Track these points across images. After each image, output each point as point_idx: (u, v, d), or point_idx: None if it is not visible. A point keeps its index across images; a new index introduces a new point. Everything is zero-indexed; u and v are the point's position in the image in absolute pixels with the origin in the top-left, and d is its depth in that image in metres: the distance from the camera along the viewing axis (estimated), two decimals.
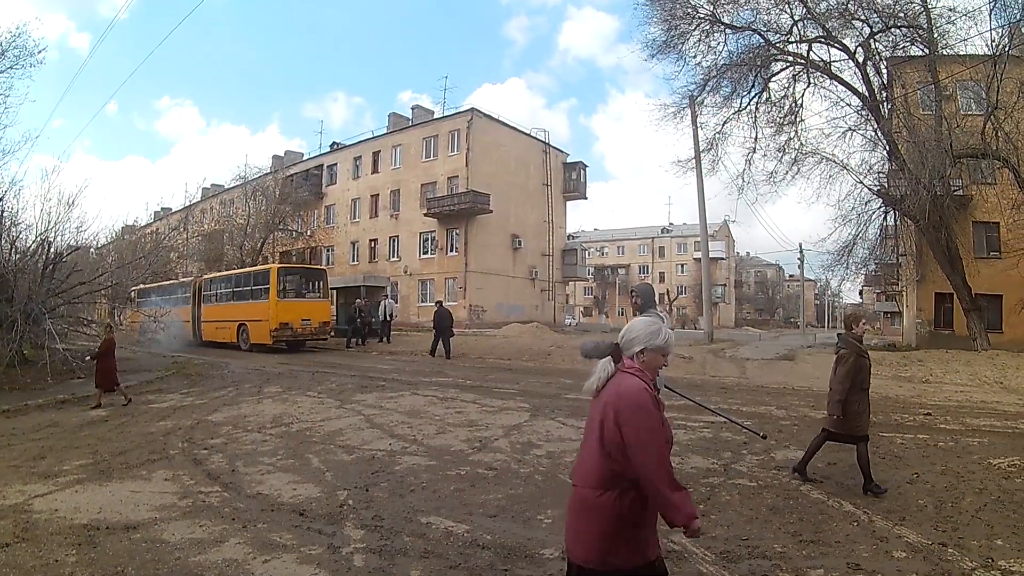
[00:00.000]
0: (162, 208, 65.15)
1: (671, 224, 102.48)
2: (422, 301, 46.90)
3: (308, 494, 7.30)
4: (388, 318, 30.77)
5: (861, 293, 75.22)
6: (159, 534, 6.03)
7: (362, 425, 11.40)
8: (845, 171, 28.97)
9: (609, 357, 3.36)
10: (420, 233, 48.06)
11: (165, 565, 5.33)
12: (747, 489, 7.67)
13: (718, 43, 29.67)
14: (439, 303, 27.95)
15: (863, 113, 28.59)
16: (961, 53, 26.51)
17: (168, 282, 36.83)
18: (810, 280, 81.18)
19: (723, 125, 30.72)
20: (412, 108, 53.14)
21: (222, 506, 6.90)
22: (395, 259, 49.74)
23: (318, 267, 35.95)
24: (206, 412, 13.02)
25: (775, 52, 29.23)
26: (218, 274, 33.51)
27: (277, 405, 13.84)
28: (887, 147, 28.02)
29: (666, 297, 75.78)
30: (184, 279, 36.79)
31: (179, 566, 5.31)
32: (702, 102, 30.84)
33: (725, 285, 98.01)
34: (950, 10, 26.52)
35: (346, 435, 10.63)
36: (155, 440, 10.35)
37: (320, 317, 28.28)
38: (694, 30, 29.42)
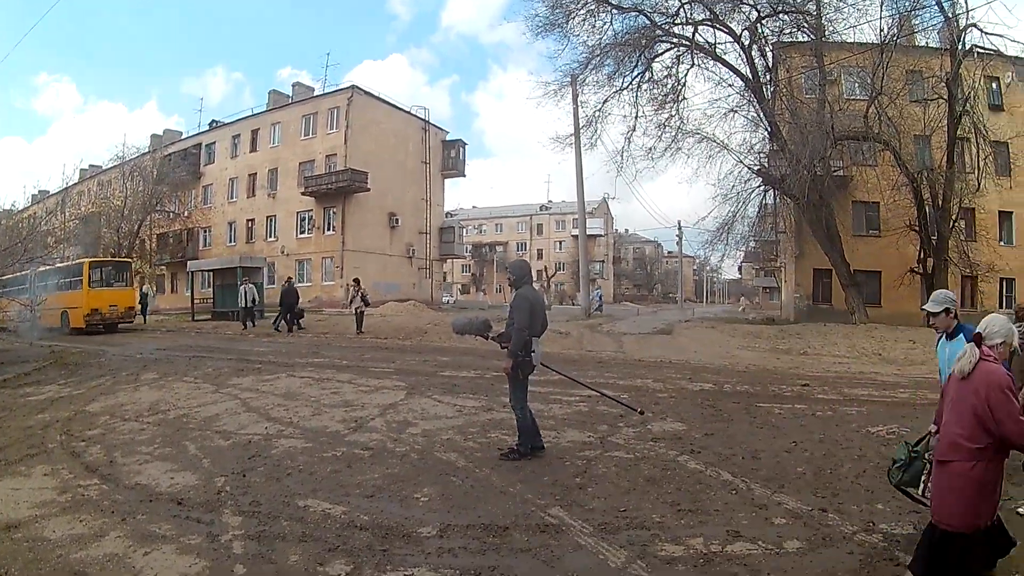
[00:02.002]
0: (39, 191, 61.95)
1: (550, 201, 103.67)
2: (299, 281, 45.52)
3: (186, 482, 7.28)
4: (250, 304, 29.90)
5: (740, 269, 78.54)
6: (40, 532, 5.98)
7: (238, 409, 11.28)
8: (726, 151, 30.26)
9: (972, 344, 4.17)
10: (297, 212, 48.30)
11: (47, 564, 5.28)
12: (624, 461, 7.75)
13: (603, 23, 30.18)
14: (288, 280, 30.16)
15: (745, 95, 29.86)
16: (848, 40, 28.33)
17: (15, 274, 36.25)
18: (689, 256, 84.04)
19: (604, 103, 31.41)
20: (293, 85, 53.45)
21: (101, 499, 6.84)
22: (272, 239, 49.54)
23: (125, 259, 38.48)
24: (84, 402, 12.71)
25: (660, 33, 29.94)
26: (47, 268, 33.78)
27: (154, 392, 13.53)
28: (768, 128, 29.40)
29: (544, 274, 76.87)
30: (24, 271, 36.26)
31: (61, 564, 5.27)
32: (584, 81, 31.46)
33: (603, 261, 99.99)
34: None
35: (223, 420, 10.47)
36: (33, 434, 10.13)
37: (125, 303, 32.36)
38: (580, 9, 29.79)
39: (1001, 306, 31.79)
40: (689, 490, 6.68)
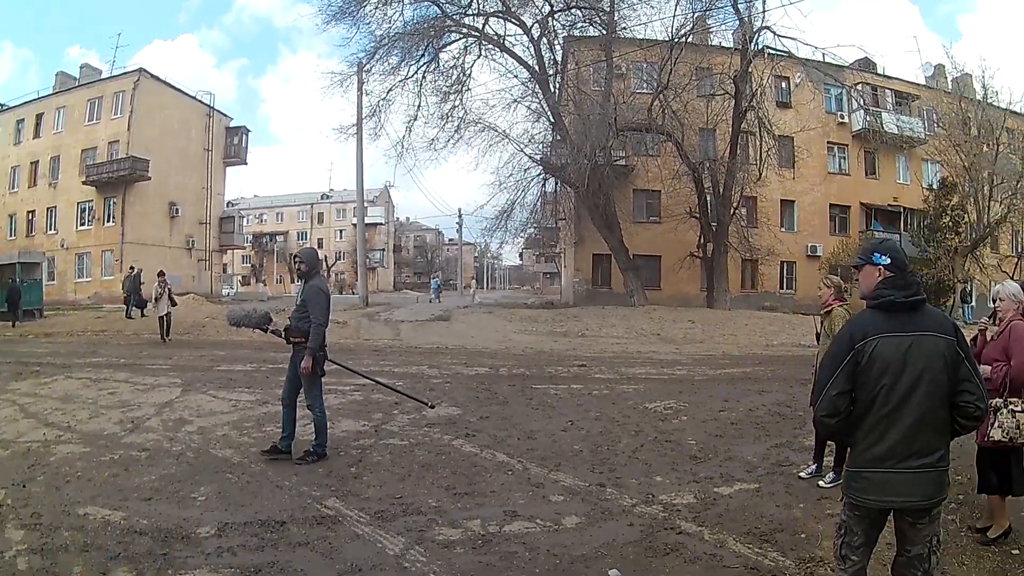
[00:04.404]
0: None
1: (331, 190, 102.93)
2: (79, 277, 45.30)
3: None
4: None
5: (521, 255, 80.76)
6: None
7: (16, 416, 10.42)
8: (507, 140, 31.74)
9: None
10: (78, 203, 45.92)
11: None
12: (398, 448, 7.84)
13: (395, 12, 30.72)
14: (132, 268, 29.86)
15: (530, 86, 31.40)
16: (640, 37, 30.45)
17: None
18: (469, 244, 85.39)
19: (388, 92, 32.00)
20: (81, 67, 49.67)
21: None
22: (52, 232, 47.11)
23: None
24: None
25: (451, 24, 30.85)
26: None
27: None
28: (551, 119, 31.14)
29: (324, 263, 75.67)
30: None
31: None
32: (370, 70, 31.81)
33: (384, 250, 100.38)
34: None
35: (1, 428, 9.64)
36: None
37: None
38: None
39: (781, 287, 36.47)
40: (464, 473, 6.85)
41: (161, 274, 22.38)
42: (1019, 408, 5.13)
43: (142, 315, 27.81)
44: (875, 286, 3.27)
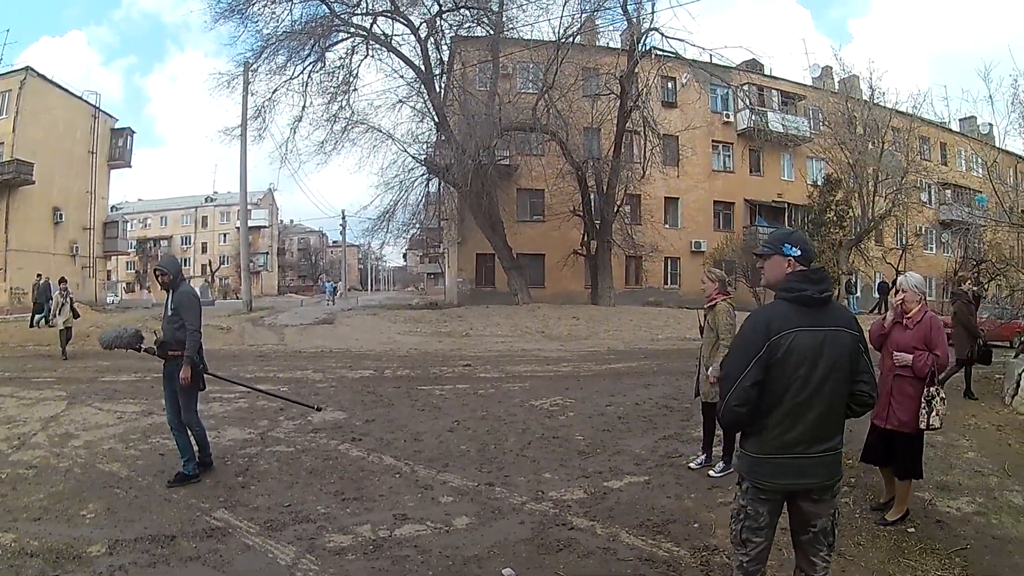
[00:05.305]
0: None
1: (215, 193, 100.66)
2: None
3: None
4: None
5: (405, 256, 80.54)
6: None
7: None
8: (391, 140, 31.77)
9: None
10: None
11: None
12: (285, 455, 7.73)
13: (284, 10, 30.25)
14: (39, 276, 27.70)
15: (416, 86, 31.47)
16: (527, 38, 30.85)
17: None
18: (353, 245, 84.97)
19: (274, 93, 31.51)
20: None
21: None
22: None
23: None
24: None
25: (339, 23, 30.49)
26: None
27: None
28: (436, 119, 31.23)
29: (208, 268, 73.96)
30: None
31: None
32: (257, 69, 31.22)
33: (268, 253, 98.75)
34: None
35: None
36: None
37: None
38: None
39: (666, 283, 37.59)
40: (352, 478, 6.82)
41: (63, 281, 20.76)
42: (944, 395, 5.54)
43: (47, 323, 26.67)
44: (785, 278, 3.36)
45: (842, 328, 3.29)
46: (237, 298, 55.79)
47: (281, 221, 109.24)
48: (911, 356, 5.54)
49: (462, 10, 30.65)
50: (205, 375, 7.27)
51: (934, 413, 5.42)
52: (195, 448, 7.08)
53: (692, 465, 7.06)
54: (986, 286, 24.03)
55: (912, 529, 5.47)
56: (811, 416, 3.20)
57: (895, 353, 5.60)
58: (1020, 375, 10.39)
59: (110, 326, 10.72)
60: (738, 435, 3.67)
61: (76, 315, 19.46)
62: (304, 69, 30.64)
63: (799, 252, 3.38)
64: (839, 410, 3.31)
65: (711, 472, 6.81)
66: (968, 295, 11.95)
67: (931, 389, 5.43)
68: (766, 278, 3.51)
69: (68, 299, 19.11)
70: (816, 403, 3.20)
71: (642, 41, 30.01)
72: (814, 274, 3.34)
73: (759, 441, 3.31)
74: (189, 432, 7.06)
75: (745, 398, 3.23)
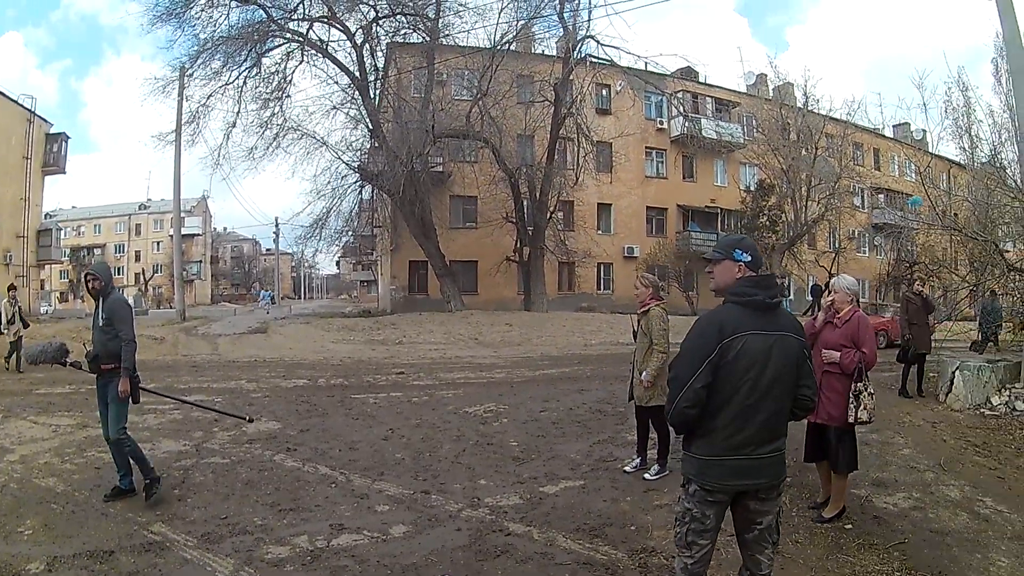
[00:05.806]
0: None
1: (149, 200, 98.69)
2: None
3: None
4: None
5: (338, 264, 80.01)
6: None
7: None
8: (325, 147, 31.66)
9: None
10: None
11: None
12: (220, 467, 7.66)
13: (221, 15, 29.90)
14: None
15: (349, 92, 31.31)
16: (463, 44, 30.97)
17: None
18: (287, 253, 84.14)
19: (208, 98, 31.12)
20: None
21: None
22: None
23: None
24: None
25: (275, 28, 30.30)
26: None
27: None
28: (370, 126, 31.20)
29: (142, 276, 72.83)
30: None
31: None
32: (192, 74, 30.84)
33: (201, 262, 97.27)
34: (460, 4, 30.85)
35: None
36: None
37: None
38: None
39: (599, 288, 38.03)
40: (288, 489, 6.80)
41: (12, 288, 19.31)
42: (872, 390, 5.75)
43: None
44: (735, 282, 3.46)
45: (790, 333, 3.41)
46: (170, 307, 54.93)
47: (214, 229, 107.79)
48: (839, 353, 5.75)
49: (398, 16, 30.66)
50: (139, 388, 7.14)
51: (862, 407, 5.66)
52: (132, 464, 6.94)
53: (627, 469, 7.18)
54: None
55: (850, 526, 5.66)
56: (760, 418, 3.31)
57: (823, 351, 5.80)
58: (953, 373, 10.81)
59: (35, 344, 10.51)
60: (679, 438, 3.75)
61: (26, 325, 18.26)
62: (240, 74, 30.42)
63: (749, 258, 3.48)
64: (785, 412, 3.44)
65: (647, 475, 6.93)
66: (922, 296, 12.42)
67: (858, 384, 5.67)
68: (715, 282, 3.59)
69: (17, 308, 17.90)
70: (765, 405, 3.31)
71: (578, 48, 30.59)
72: (763, 280, 3.48)
73: (708, 443, 3.38)
74: (127, 449, 6.95)
75: (696, 400, 3.30)
